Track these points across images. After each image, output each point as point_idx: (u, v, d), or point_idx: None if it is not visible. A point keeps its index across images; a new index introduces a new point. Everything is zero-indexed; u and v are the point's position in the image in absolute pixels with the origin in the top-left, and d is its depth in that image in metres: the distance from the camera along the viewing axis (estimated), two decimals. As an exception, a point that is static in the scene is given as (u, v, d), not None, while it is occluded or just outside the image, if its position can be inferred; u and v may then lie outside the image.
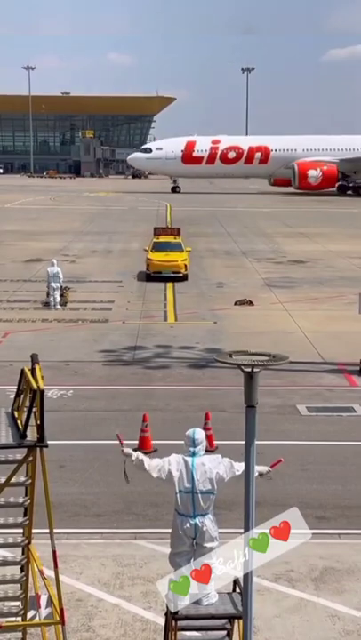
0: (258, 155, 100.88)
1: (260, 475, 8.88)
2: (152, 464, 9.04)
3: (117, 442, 9.51)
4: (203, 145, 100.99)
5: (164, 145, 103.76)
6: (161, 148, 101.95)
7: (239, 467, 8.79)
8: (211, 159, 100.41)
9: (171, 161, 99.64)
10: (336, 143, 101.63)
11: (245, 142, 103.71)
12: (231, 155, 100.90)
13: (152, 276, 35.78)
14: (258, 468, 8.52)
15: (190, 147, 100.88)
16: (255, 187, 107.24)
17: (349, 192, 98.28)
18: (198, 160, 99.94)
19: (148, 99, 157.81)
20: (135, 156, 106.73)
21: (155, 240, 39.10)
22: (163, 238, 39.42)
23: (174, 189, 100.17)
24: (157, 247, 37.87)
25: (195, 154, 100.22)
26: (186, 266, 36.22)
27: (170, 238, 39.31)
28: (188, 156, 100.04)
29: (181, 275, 35.84)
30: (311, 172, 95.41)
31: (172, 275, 35.69)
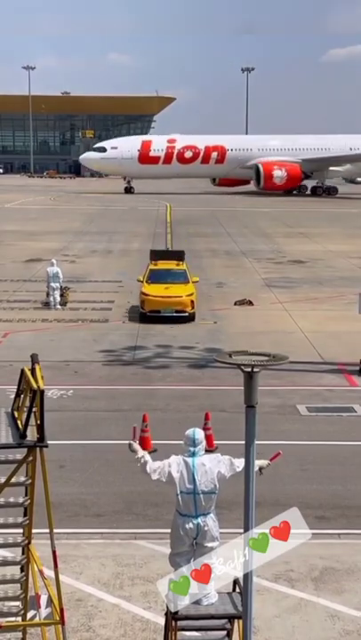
0: (214, 154, 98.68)
1: (261, 469, 8.90)
2: (152, 467, 9.04)
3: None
4: (159, 144, 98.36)
5: (120, 144, 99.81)
6: (116, 147, 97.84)
7: (239, 463, 8.81)
8: (168, 159, 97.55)
9: (127, 161, 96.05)
10: (292, 143, 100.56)
11: (202, 141, 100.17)
12: (188, 154, 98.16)
13: (148, 315, 27.31)
14: (258, 463, 8.54)
15: (146, 146, 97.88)
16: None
17: (308, 192, 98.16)
18: (155, 160, 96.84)
19: (148, 99, 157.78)
20: (88, 156, 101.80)
21: (151, 267, 29.83)
22: (162, 265, 30.06)
23: (128, 190, 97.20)
24: (155, 277, 28.85)
25: (151, 153, 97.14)
26: (193, 302, 27.81)
27: (171, 265, 30.12)
28: (145, 156, 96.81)
29: (187, 314, 27.45)
30: (277, 173, 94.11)
31: (175, 315, 27.37)
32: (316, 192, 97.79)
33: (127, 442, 9.33)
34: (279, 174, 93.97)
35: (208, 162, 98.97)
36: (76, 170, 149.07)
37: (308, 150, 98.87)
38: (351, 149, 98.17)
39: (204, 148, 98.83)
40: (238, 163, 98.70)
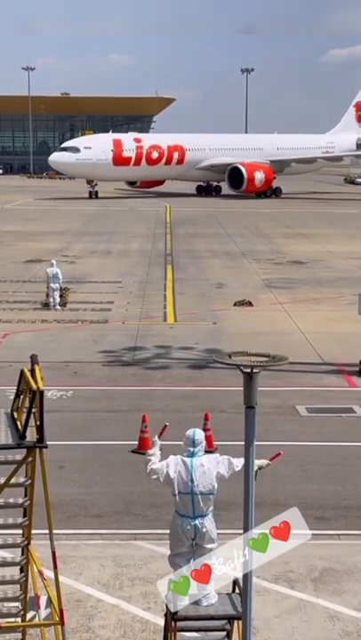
0: (176, 155, 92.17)
1: (260, 468, 8.90)
2: (153, 468, 9.05)
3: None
4: (128, 144, 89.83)
5: (93, 143, 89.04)
6: (90, 147, 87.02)
7: (238, 462, 8.81)
8: (137, 160, 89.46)
9: (102, 162, 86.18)
10: (246, 142, 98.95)
11: (164, 141, 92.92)
12: (154, 155, 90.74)
13: None
14: (257, 462, 8.55)
15: (119, 146, 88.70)
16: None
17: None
18: (127, 161, 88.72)
19: (148, 99, 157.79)
20: (61, 158, 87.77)
21: None
22: None
23: (94, 194, 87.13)
24: None
25: (124, 154, 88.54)
26: None
27: None
28: (119, 157, 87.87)
29: None
30: (257, 175, 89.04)
31: None
32: (200, 191, 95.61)
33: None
34: (259, 177, 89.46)
35: (170, 163, 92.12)
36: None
37: (253, 150, 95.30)
38: (278, 149, 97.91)
39: (167, 148, 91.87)
40: (195, 163, 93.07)
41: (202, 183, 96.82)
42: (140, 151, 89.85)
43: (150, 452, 9.20)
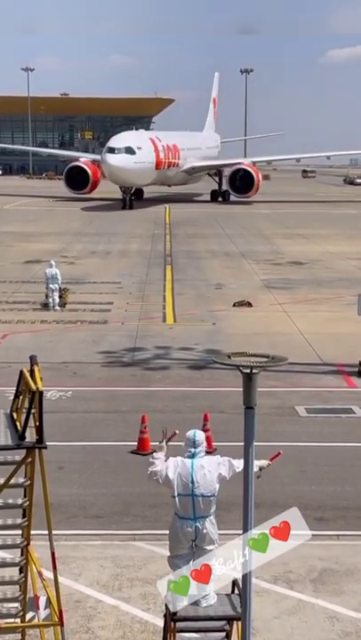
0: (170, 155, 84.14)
1: (261, 469, 8.90)
2: (153, 470, 9.04)
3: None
4: (159, 143, 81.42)
5: (141, 143, 78.33)
6: (141, 148, 76.85)
7: (239, 463, 8.80)
8: (165, 162, 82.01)
9: (150, 166, 78.11)
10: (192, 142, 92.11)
11: (164, 139, 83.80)
12: (170, 156, 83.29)
13: None
14: (258, 463, 8.56)
15: (156, 146, 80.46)
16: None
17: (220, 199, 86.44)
18: (161, 164, 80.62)
19: (147, 100, 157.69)
20: (122, 161, 73.39)
21: None
22: None
23: (129, 205, 75.03)
24: None
25: (161, 155, 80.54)
26: None
27: None
28: (158, 159, 79.95)
29: None
30: (261, 179, 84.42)
31: None
32: (215, 196, 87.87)
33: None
34: (262, 181, 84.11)
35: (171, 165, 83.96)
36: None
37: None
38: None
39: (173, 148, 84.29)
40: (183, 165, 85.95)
41: (216, 188, 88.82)
42: (168, 152, 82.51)
43: (155, 455, 9.16)
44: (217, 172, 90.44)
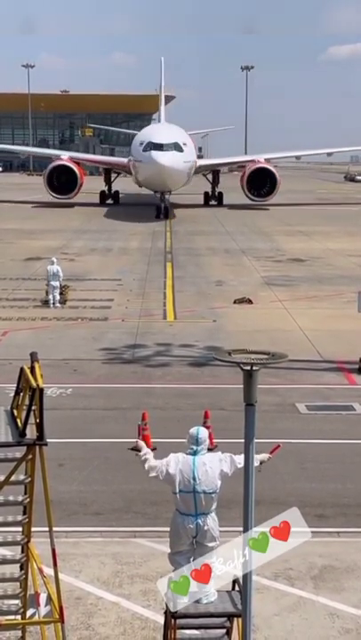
0: None
1: (262, 462, 8.91)
2: (151, 465, 9.04)
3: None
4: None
5: (186, 138, 70.81)
6: (186, 144, 67.89)
7: (240, 459, 8.80)
8: None
9: (193, 166, 70.49)
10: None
11: None
12: None
13: None
14: (258, 457, 8.58)
15: (194, 142, 76.91)
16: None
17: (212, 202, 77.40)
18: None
19: (148, 97, 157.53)
20: (172, 161, 62.64)
21: None
22: None
23: (163, 213, 62.67)
24: None
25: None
26: None
27: None
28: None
29: None
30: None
31: None
32: (207, 199, 77.86)
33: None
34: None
35: None
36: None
37: None
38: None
39: None
40: None
41: (208, 191, 78.97)
42: None
43: (143, 452, 9.19)
44: (212, 171, 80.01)
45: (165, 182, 63.82)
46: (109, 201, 76.33)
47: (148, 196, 71.04)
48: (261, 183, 73.36)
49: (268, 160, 77.00)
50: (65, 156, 77.59)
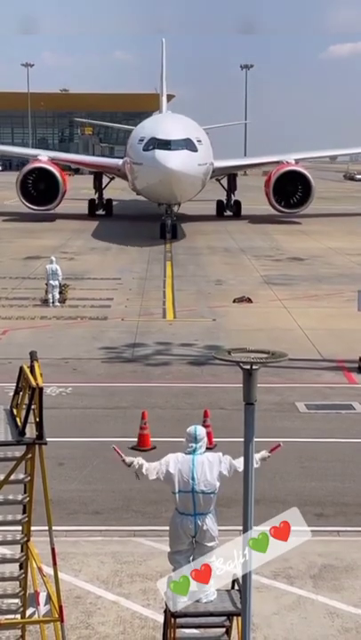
0: None
1: (264, 459, 8.92)
2: (150, 467, 9.02)
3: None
4: None
5: (201, 133, 55.44)
6: (201, 141, 52.46)
7: (240, 463, 8.80)
8: None
9: (210, 169, 55.89)
10: None
11: None
12: None
13: None
14: (257, 456, 8.57)
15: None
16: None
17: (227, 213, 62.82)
18: None
19: (147, 96, 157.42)
20: (182, 163, 47.47)
21: None
22: None
23: (169, 230, 47.98)
24: None
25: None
26: None
27: None
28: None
29: None
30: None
31: None
32: (221, 209, 63.19)
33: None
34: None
35: None
36: (76, 167, 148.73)
37: None
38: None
39: None
40: None
41: (223, 199, 64.24)
42: None
43: (135, 462, 9.08)
44: (227, 174, 64.16)
45: (173, 192, 48.39)
46: (100, 211, 61.78)
47: (149, 204, 56.91)
48: (291, 190, 59.06)
49: (298, 161, 61.78)
50: (43, 157, 61.24)
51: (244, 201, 64.35)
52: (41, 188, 58.47)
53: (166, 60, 78.79)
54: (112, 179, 63.85)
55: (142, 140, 50.69)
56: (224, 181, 64.58)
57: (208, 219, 60.13)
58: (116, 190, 60.72)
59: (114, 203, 64.18)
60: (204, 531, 8.89)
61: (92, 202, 62.37)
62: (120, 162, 61.10)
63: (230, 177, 64.47)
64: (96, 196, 63.40)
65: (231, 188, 64.46)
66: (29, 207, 58.52)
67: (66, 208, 60.23)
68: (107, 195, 64.16)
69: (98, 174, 64.58)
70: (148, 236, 47.93)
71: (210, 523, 8.92)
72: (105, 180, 63.87)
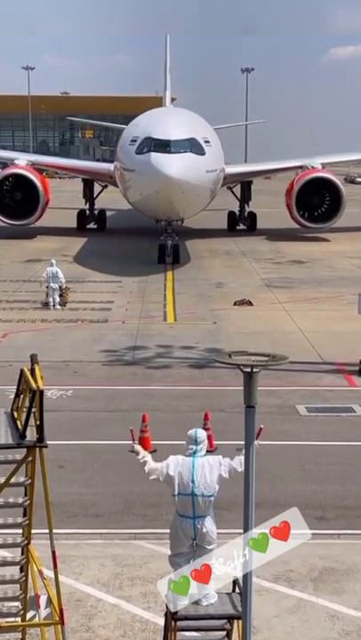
0: None
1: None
2: (152, 467, 9.07)
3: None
4: None
5: (208, 131, 45.38)
6: (210, 143, 42.85)
7: (236, 464, 8.85)
8: None
9: (220, 177, 46.44)
10: None
11: None
12: None
13: None
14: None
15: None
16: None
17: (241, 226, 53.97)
18: None
19: (147, 99, 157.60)
20: (187, 171, 38.37)
21: None
22: None
23: (170, 251, 39.86)
24: None
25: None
26: None
27: None
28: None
29: None
30: None
31: None
32: (233, 222, 53.92)
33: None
34: None
35: None
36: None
37: None
38: None
39: None
40: None
41: (235, 210, 54.61)
42: None
43: (141, 455, 9.22)
44: (240, 182, 54.63)
45: (174, 206, 39.42)
46: (92, 225, 52.92)
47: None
48: (317, 200, 50.21)
49: (324, 166, 52.96)
50: (22, 161, 51.32)
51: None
52: (18, 199, 49.03)
53: (170, 56, 72.23)
54: (105, 186, 53.94)
55: (135, 141, 41.54)
56: (236, 189, 55.15)
57: (217, 234, 51.05)
58: (115, 193, 50.31)
59: (109, 213, 55.43)
60: (204, 533, 8.90)
61: (81, 213, 53.33)
62: (111, 167, 50.80)
63: (244, 185, 54.87)
64: (86, 207, 54.01)
65: (245, 197, 54.91)
66: (3, 222, 48.92)
67: (52, 219, 51.41)
68: (102, 204, 54.99)
69: (88, 181, 54.89)
70: (146, 259, 39.86)
71: (209, 525, 8.93)
72: (98, 187, 54.58)
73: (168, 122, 42.75)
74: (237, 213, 54.61)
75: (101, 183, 54.10)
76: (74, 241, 48.30)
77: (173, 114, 50.19)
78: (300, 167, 52.71)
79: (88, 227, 52.62)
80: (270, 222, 53.72)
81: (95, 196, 54.44)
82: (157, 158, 38.33)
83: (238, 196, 55.21)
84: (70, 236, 47.46)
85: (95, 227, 52.92)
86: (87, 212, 53.85)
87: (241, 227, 53.94)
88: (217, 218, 53.63)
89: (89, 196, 54.57)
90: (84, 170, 57.17)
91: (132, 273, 36.77)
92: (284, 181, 56.20)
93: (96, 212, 53.99)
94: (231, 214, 54.39)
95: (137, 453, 9.27)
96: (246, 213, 54.34)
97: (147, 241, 43.98)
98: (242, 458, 8.57)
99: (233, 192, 55.36)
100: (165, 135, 39.82)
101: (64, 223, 52.82)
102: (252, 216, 53.71)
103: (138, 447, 9.36)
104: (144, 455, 9.21)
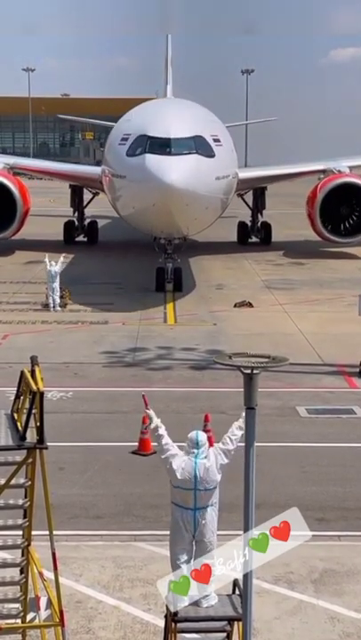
0: None
1: (240, 429, 8.97)
2: (164, 446, 9.11)
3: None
4: None
5: (218, 128, 37.31)
6: (220, 142, 34.36)
7: (223, 443, 9.11)
8: None
9: (233, 183, 38.77)
10: None
11: None
12: None
13: None
14: (236, 424, 9.03)
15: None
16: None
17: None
18: None
19: (148, 100, 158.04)
20: (190, 178, 29.59)
21: None
22: None
23: (170, 274, 32.45)
24: None
25: None
26: None
27: None
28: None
29: None
30: None
31: None
32: (245, 234, 47.02)
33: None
34: None
35: None
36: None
37: None
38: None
39: None
40: None
41: (247, 221, 47.79)
42: None
43: (154, 423, 9.25)
44: (253, 189, 47.23)
45: (175, 221, 31.63)
46: (81, 237, 46.04)
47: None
48: (345, 210, 42.98)
49: (352, 169, 45.02)
50: None
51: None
52: None
53: (172, 54, 63.60)
54: (96, 194, 46.51)
55: (126, 140, 33.43)
56: (248, 196, 47.93)
57: (227, 248, 44.51)
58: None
59: (102, 222, 49.17)
60: (203, 524, 8.91)
61: (69, 225, 46.06)
62: (99, 170, 41.93)
63: (257, 191, 47.31)
64: (75, 217, 46.85)
65: (258, 205, 47.50)
66: None
67: (35, 232, 45.19)
68: (95, 210, 48.36)
69: (77, 188, 47.24)
70: (142, 286, 33.28)
71: (209, 516, 8.97)
72: (89, 195, 47.34)
73: (168, 116, 34.40)
74: (249, 224, 47.41)
75: (92, 190, 46.37)
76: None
77: (175, 106, 41.10)
78: (324, 171, 45.15)
79: (77, 239, 45.73)
80: (283, 229, 48.46)
81: (85, 204, 47.25)
82: (154, 161, 30.33)
83: (250, 204, 47.82)
84: (55, 251, 35.30)
85: (85, 239, 45.85)
86: (76, 222, 46.57)
87: (253, 239, 46.89)
88: (224, 227, 45.32)
89: (77, 204, 47.16)
90: (71, 175, 48.40)
91: (122, 307, 29.72)
92: (294, 181, 52.47)
93: (86, 224, 46.67)
94: (242, 225, 47.28)
95: (150, 418, 9.30)
96: (260, 224, 47.07)
97: (145, 259, 37.09)
98: (240, 422, 8.68)
99: (244, 199, 47.66)
100: (165, 132, 31.67)
101: (50, 234, 46.01)
102: (267, 227, 46.62)
103: (151, 412, 9.36)
104: (157, 424, 9.23)
